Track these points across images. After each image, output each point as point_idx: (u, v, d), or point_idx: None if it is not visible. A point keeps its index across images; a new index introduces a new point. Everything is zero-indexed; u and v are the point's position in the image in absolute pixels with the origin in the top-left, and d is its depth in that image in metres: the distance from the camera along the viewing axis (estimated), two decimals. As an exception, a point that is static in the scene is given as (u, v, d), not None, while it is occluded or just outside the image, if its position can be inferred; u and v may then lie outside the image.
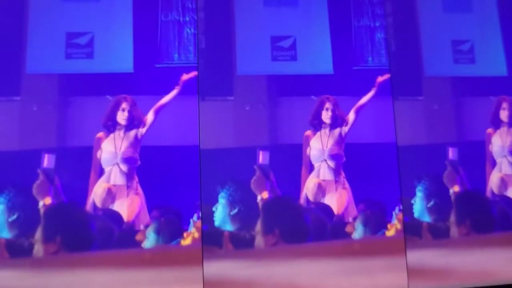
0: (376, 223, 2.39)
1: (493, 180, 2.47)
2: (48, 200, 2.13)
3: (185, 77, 2.42)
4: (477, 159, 2.47)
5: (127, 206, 2.15)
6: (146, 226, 2.16)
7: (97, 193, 2.14)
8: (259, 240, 2.21)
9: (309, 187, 2.30)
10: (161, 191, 2.19)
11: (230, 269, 2.27)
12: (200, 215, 2.29)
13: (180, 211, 2.29)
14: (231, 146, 2.29)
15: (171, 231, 2.21)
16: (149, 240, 2.14)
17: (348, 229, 2.27)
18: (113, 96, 2.24)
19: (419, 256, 2.39)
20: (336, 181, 2.32)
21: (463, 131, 2.46)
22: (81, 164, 2.15)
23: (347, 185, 2.32)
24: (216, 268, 2.26)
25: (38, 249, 2.04)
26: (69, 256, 2.05)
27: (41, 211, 2.10)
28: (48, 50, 2.23)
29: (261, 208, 2.24)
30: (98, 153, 2.19)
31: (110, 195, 2.16)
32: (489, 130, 2.52)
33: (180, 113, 2.35)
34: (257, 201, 2.24)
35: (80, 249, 2.08)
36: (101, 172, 2.17)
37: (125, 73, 2.27)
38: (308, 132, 2.37)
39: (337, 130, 2.39)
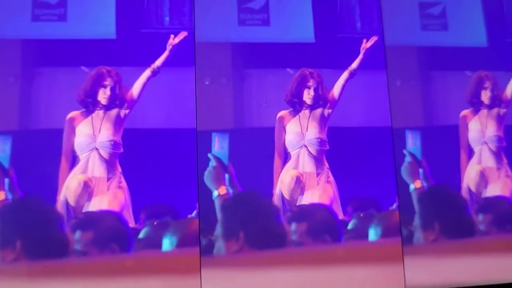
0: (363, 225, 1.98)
1: (470, 175, 2.06)
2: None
3: (174, 40, 1.97)
4: (449, 147, 2.09)
5: (108, 203, 1.83)
6: (131, 229, 1.85)
7: (70, 188, 1.83)
8: (220, 247, 1.83)
9: (284, 182, 1.93)
10: (150, 184, 1.88)
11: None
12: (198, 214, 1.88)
13: (175, 209, 1.88)
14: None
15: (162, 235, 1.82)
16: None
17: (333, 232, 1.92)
18: (90, 67, 1.93)
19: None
20: (318, 174, 1.92)
21: (431, 113, 2.08)
22: (47, 151, 1.84)
23: (331, 178, 1.94)
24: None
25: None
26: (33, 265, 1.75)
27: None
28: (10, 10, 1.92)
29: (220, 207, 1.86)
30: (72, 137, 1.86)
31: (87, 189, 1.84)
32: (465, 112, 2.12)
33: (172, 88, 1.96)
34: (213, 198, 1.85)
35: (47, 256, 1.77)
36: (74, 160, 1.86)
37: (105, 40, 1.96)
38: (284, 113, 1.99)
39: (318, 111, 2.01)
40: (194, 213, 1.89)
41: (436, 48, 2.16)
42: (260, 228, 1.88)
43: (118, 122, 1.93)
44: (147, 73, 1.97)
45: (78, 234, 1.80)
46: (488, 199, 2.07)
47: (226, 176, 1.92)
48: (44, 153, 1.83)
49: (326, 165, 1.99)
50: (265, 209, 1.91)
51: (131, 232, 1.84)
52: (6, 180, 1.80)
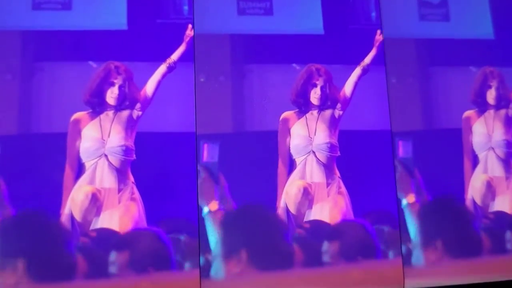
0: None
1: (475, 185, 1.86)
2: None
3: (191, 32, 1.77)
4: (450, 154, 1.86)
5: (120, 218, 1.64)
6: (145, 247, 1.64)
7: (76, 201, 1.64)
8: (218, 267, 1.65)
9: (290, 193, 1.73)
10: (163, 195, 1.69)
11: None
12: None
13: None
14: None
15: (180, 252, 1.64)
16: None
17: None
18: (98, 62, 1.74)
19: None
20: (328, 183, 1.74)
21: (430, 114, 1.88)
22: (48, 158, 1.65)
23: (343, 188, 1.76)
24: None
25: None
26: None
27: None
28: None
29: (217, 223, 1.69)
30: (77, 141, 1.68)
31: (95, 202, 1.65)
32: (468, 114, 1.91)
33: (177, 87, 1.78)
34: (203, 215, 1.69)
35: (51, 280, 1.57)
36: (80, 168, 1.66)
37: (115, 31, 1.77)
38: (288, 114, 1.79)
39: (328, 112, 1.82)
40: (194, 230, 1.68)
41: (436, 41, 1.94)
42: (264, 247, 1.69)
43: (130, 125, 1.72)
44: (162, 68, 1.77)
45: (85, 253, 1.60)
46: (496, 213, 1.85)
47: (218, 189, 1.70)
48: (45, 161, 1.64)
49: (337, 173, 1.78)
50: (269, 226, 1.71)
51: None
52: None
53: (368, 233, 1.75)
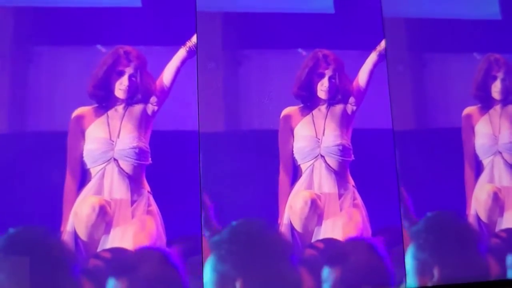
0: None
1: (480, 197, 1.58)
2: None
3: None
4: (447, 159, 1.60)
5: (134, 235, 1.39)
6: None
7: (80, 215, 1.38)
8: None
9: (295, 207, 1.47)
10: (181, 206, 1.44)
11: None
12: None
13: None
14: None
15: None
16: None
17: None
18: (107, 46, 1.50)
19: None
20: (341, 194, 1.51)
21: (424, 111, 1.62)
22: (46, 162, 1.41)
23: (359, 199, 1.51)
24: None
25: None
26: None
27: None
28: None
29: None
30: (80, 142, 1.43)
31: (104, 217, 1.39)
32: (470, 110, 1.65)
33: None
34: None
35: None
36: (84, 175, 1.41)
37: (128, 8, 1.53)
38: (291, 110, 1.54)
39: (339, 108, 1.56)
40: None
41: (432, 21, 1.68)
42: (264, 274, 1.43)
43: (144, 122, 1.47)
44: (181, 53, 1.52)
45: (93, 277, 1.35)
46: (507, 231, 1.59)
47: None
48: (41, 166, 1.40)
49: (352, 182, 1.52)
50: (269, 247, 1.46)
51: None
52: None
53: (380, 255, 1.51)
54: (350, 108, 1.58)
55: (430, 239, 1.54)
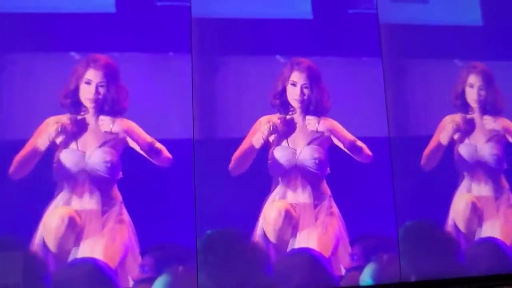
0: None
1: (458, 207, 1.55)
2: None
3: None
4: (427, 169, 1.57)
5: (105, 246, 1.35)
6: (139, 280, 1.36)
7: (49, 227, 1.34)
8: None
9: (269, 218, 1.43)
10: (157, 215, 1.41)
11: None
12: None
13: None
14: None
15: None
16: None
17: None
18: (81, 53, 1.44)
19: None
20: (316, 205, 1.46)
21: (404, 118, 1.59)
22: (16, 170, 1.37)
23: (335, 208, 1.46)
24: None
25: None
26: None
27: None
28: None
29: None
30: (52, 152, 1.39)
31: (74, 228, 1.35)
32: (449, 119, 1.61)
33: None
34: None
35: None
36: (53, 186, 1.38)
37: (102, 14, 1.47)
38: (266, 119, 1.48)
39: (312, 120, 1.52)
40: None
41: (413, 27, 1.64)
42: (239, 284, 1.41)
43: (113, 134, 1.43)
44: None
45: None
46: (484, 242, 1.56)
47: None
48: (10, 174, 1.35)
49: (328, 192, 1.49)
50: (243, 258, 1.43)
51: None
52: None
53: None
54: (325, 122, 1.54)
55: (409, 247, 1.52)
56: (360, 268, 1.47)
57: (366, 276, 1.47)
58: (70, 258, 1.34)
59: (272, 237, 1.44)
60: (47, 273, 1.33)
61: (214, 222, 1.42)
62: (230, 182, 1.45)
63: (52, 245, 1.34)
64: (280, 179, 1.48)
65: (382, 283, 1.48)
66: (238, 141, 1.47)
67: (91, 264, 1.34)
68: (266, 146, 1.48)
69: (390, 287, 1.48)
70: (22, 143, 1.37)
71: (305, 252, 1.44)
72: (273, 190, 1.48)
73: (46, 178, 1.37)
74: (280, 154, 1.49)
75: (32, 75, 1.41)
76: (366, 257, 1.48)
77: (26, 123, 1.39)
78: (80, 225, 1.36)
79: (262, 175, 1.47)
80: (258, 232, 1.44)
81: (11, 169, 1.34)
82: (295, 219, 1.47)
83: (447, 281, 1.51)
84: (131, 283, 1.36)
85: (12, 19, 1.43)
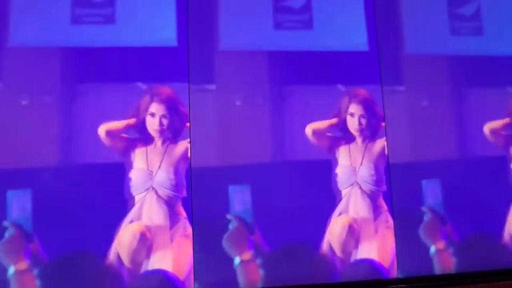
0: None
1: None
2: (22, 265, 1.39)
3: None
4: (491, 187, 1.66)
5: (174, 259, 1.44)
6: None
7: (122, 242, 1.44)
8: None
9: (334, 232, 1.53)
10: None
11: None
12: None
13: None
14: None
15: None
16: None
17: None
18: (148, 83, 1.55)
19: None
20: (375, 218, 1.56)
21: (466, 142, 1.67)
22: (95, 192, 1.46)
23: (391, 222, 1.57)
24: None
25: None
26: None
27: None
28: (43, 10, 1.54)
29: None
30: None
31: (144, 243, 1.45)
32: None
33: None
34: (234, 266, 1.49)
35: None
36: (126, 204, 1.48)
37: (165, 48, 1.57)
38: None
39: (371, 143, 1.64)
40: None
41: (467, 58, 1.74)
42: None
43: (181, 157, 1.53)
44: None
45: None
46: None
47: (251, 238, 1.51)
48: (89, 195, 1.45)
49: (385, 207, 1.59)
50: (312, 271, 1.52)
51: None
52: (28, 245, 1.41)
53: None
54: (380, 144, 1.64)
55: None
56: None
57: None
58: (142, 270, 1.43)
59: (338, 252, 1.53)
60: (122, 285, 1.41)
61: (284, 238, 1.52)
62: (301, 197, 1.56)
63: (125, 259, 1.43)
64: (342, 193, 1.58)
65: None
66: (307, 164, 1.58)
67: (161, 275, 1.42)
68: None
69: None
70: (95, 166, 1.46)
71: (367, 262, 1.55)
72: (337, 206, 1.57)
73: (119, 196, 1.46)
74: (342, 171, 1.59)
75: (103, 104, 1.50)
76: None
77: (98, 148, 1.47)
78: (150, 239, 1.46)
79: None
80: (324, 245, 1.53)
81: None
82: (357, 232, 1.55)
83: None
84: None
85: (81, 52, 1.53)
